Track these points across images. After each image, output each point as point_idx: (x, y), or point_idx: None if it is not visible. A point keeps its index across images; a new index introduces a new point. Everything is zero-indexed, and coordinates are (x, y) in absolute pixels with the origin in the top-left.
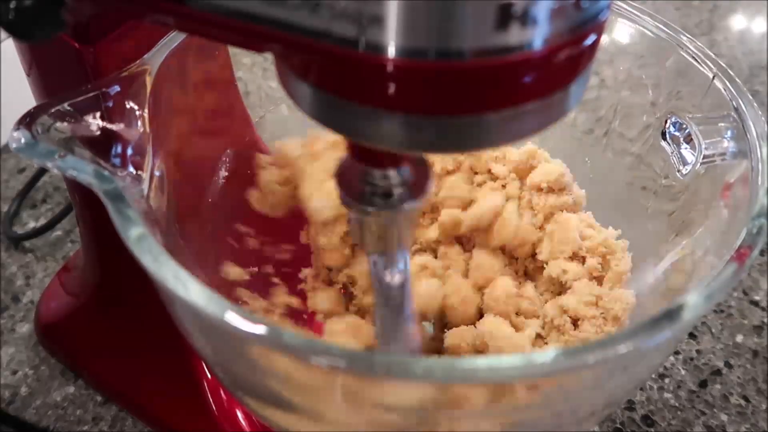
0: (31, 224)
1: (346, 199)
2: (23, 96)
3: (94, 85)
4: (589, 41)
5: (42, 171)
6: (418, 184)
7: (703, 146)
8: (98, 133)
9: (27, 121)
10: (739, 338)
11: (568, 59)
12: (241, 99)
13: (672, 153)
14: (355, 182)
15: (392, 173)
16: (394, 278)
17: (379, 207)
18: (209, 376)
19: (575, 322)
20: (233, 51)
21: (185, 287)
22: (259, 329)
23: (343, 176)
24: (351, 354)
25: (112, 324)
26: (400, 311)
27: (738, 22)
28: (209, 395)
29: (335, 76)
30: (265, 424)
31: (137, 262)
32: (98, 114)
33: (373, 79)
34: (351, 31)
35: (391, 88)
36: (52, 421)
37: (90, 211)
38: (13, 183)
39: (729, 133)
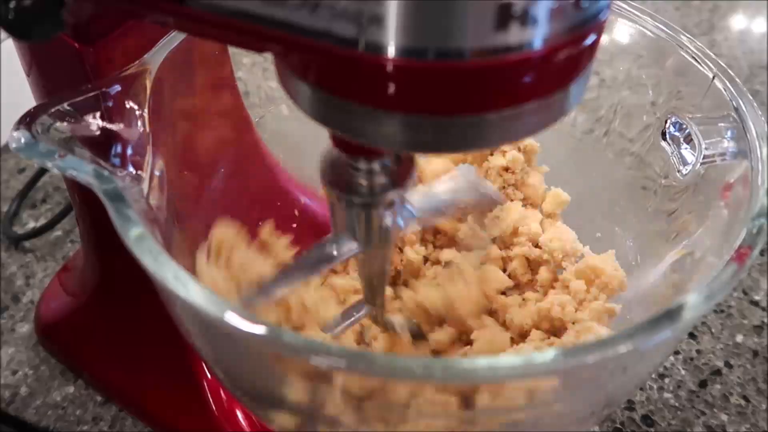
0: (31, 224)
1: (330, 188)
2: (23, 96)
3: (94, 85)
4: (589, 41)
5: (42, 171)
6: (401, 174)
7: (703, 146)
8: (98, 133)
9: (27, 120)
10: (739, 338)
11: (568, 59)
12: (241, 99)
13: (672, 153)
14: (340, 171)
15: (375, 164)
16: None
17: (362, 195)
18: (209, 376)
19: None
20: (233, 51)
21: (185, 287)
22: (259, 329)
23: (327, 166)
24: (351, 354)
25: (112, 324)
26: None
27: (738, 22)
28: (209, 395)
29: (335, 76)
30: (265, 424)
31: (137, 262)
32: (98, 114)
33: (372, 78)
34: (351, 31)
35: (391, 88)
36: (52, 421)
37: (90, 211)
38: (13, 183)
39: (729, 133)
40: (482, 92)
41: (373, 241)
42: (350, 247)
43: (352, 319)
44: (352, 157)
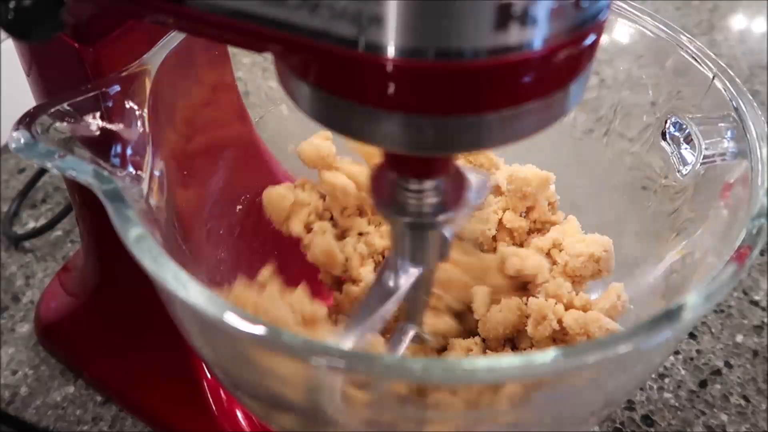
0: (31, 224)
1: (379, 205)
2: (23, 96)
3: (94, 85)
4: (588, 41)
5: (42, 171)
6: (453, 197)
7: (703, 146)
8: (98, 133)
9: (27, 121)
10: (739, 338)
11: (568, 59)
12: (241, 99)
13: (672, 153)
14: (389, 190)
15: (427, 184)
16: (399, 280)
17: (412, 216)
18: (209, 376)
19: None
20: (233, 51)
21: (185, 288)
22: (259, 329)
23: (377, 182)
24: (350, 354)
25: (112, 324)
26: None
27: (738, 22)
28: (209, 395)
29: (335, 76)
30: (265, 424)
31: (137, 262)
32: (98, 114)
33: (372, 79)
34: (351, 31)
35: (391, 88)
36: (51, 421)
37: (90, 211)
38: (13, 183)
39: (729, 133)
40: (482, 92)
41: (432, 260)
42: (411, 272)
43: (403, 344)
44: (404, 178)
